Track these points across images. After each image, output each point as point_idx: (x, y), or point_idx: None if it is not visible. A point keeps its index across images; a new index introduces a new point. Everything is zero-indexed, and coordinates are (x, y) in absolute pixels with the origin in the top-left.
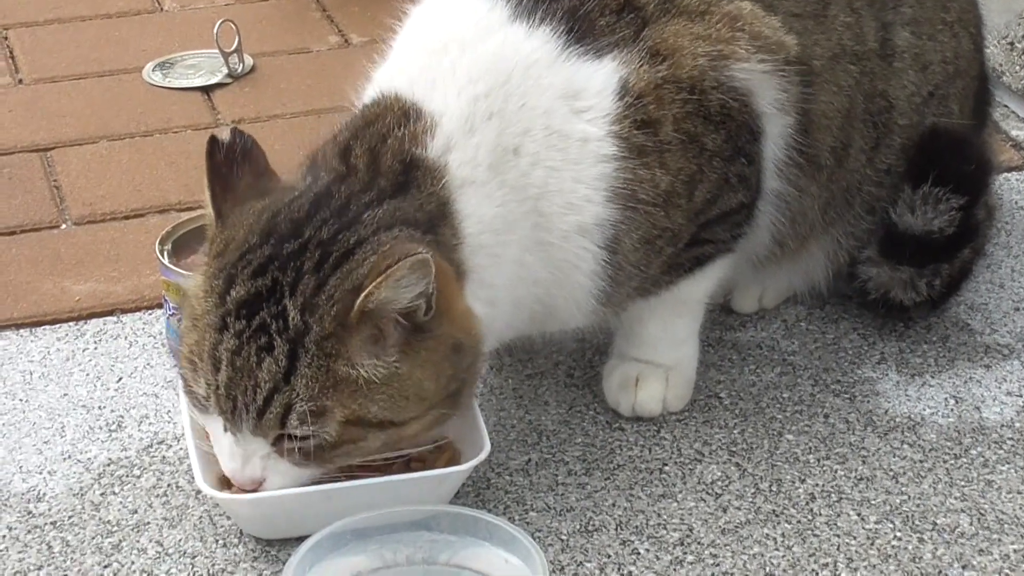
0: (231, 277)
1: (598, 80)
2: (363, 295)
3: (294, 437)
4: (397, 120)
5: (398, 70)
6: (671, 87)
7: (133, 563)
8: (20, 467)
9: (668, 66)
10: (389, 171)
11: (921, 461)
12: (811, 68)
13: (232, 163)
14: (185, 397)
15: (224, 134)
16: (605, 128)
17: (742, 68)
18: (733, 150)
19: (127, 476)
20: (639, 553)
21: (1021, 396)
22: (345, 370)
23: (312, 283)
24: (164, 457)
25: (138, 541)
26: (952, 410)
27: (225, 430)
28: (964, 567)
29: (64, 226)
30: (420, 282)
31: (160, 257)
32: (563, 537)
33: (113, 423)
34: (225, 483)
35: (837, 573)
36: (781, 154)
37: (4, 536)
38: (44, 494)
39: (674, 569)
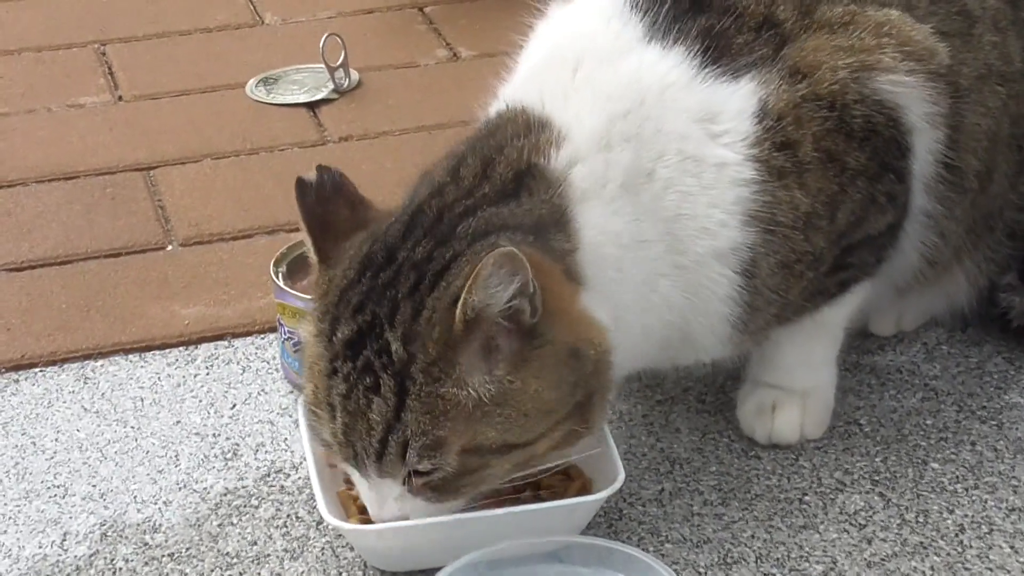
0: (335, 318)
1: (735, 102)
2: (460, 304)
3: (419, 473)
4: (518, 131)
5: (526, 83)
6: (810, 105)
7: None
8: (135, 497)
9: (808, 84)
10: (497, 179)
11: None
12: (959, 86)
13: (325, 201)
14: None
15: (310, 174)
16: (743, 152)
17: (888, 80)
18: (879, 167)
19: (245, 506)
20: None
21: None
22: (455, 393)
23: (409, 309)
24: (282, 487)
25: (259, 574)
26: None
27: (360, 475)
28: None
29: (170, 247)
30: (512, 278)
31: (275, 279)
32: (700, 570)
33: (228, 451)
34: (348, 511)
35: None
36: (930, 170)
37: (120, 568)
38: (160, 525)
39: None
